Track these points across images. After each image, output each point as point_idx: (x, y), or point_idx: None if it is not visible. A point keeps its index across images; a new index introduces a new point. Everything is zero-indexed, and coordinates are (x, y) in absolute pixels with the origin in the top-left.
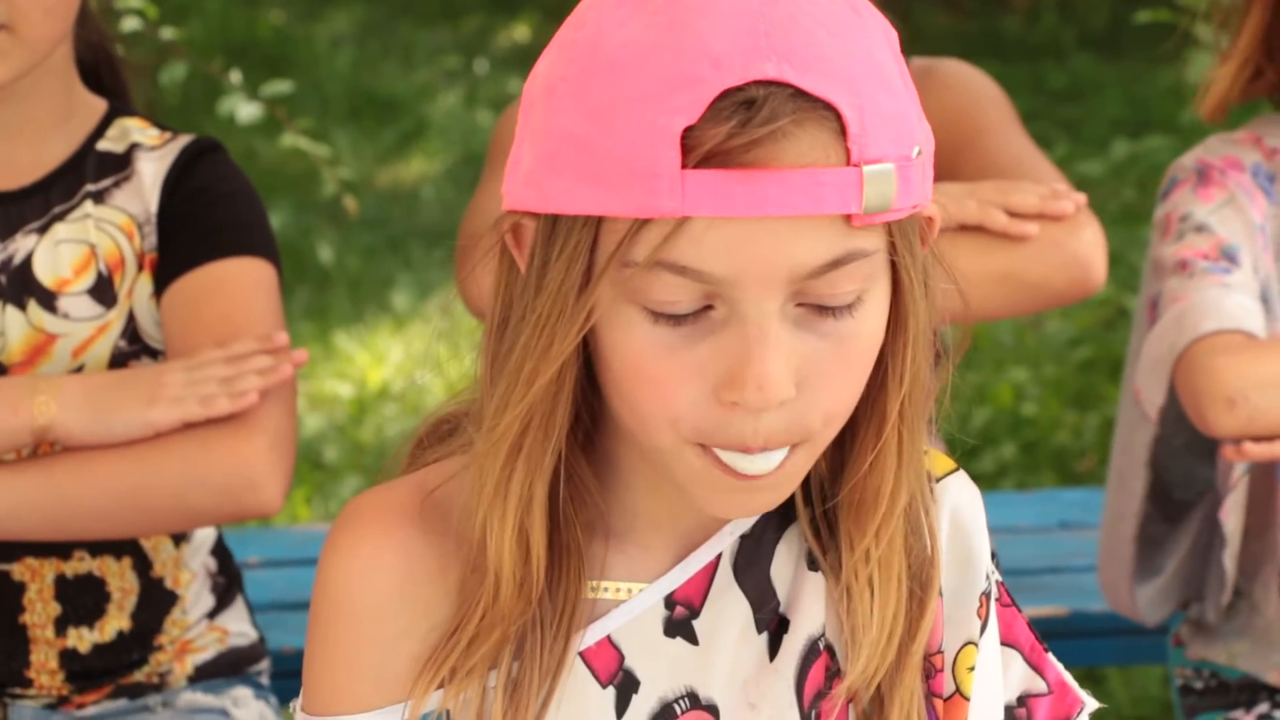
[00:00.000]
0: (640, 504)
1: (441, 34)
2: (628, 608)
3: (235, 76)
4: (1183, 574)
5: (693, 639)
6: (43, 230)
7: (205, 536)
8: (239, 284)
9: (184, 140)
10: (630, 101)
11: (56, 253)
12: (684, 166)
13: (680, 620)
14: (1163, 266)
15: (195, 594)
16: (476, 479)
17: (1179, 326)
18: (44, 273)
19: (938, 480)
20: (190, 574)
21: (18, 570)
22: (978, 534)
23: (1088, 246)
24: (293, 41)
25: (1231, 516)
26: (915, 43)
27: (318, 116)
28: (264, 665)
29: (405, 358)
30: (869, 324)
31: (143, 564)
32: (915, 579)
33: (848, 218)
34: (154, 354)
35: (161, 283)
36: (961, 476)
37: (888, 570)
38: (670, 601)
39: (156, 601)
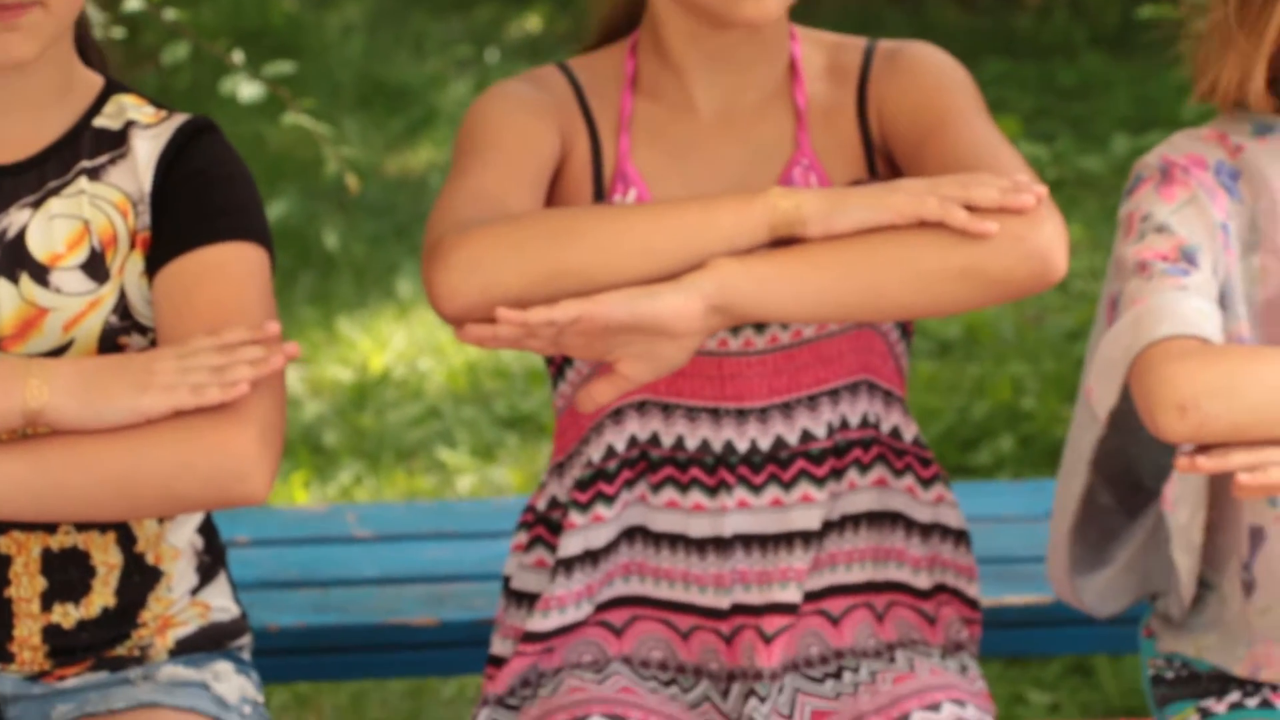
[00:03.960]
0: None
1: (453, 24)
2: None
3: (238, 57)
4: (1140, 567)
5: None
6: (37, 205)
7: (191, 514)
8: (232, 270)
9: (180, 119)
10: None
11: (50, 227)
12: None
13: None
14: (1124, 266)
15: (180, 571)
16: None
17: (1135, 330)
18: (37, 247)
19: None
20: (174, 551)
21: (3, 544)
22: None
23: (1048, 240)
24: (304, 29)
25: (1181, 509)
26: (925, 37)
27: (327, 103)
28: (245, 641)
29: (407, 344)
30: None
31: (127, 540)
32: None
33: None
34: (144, 330)
35: (154, 264)
36: None
37: None
38: None
39: (140, 578)
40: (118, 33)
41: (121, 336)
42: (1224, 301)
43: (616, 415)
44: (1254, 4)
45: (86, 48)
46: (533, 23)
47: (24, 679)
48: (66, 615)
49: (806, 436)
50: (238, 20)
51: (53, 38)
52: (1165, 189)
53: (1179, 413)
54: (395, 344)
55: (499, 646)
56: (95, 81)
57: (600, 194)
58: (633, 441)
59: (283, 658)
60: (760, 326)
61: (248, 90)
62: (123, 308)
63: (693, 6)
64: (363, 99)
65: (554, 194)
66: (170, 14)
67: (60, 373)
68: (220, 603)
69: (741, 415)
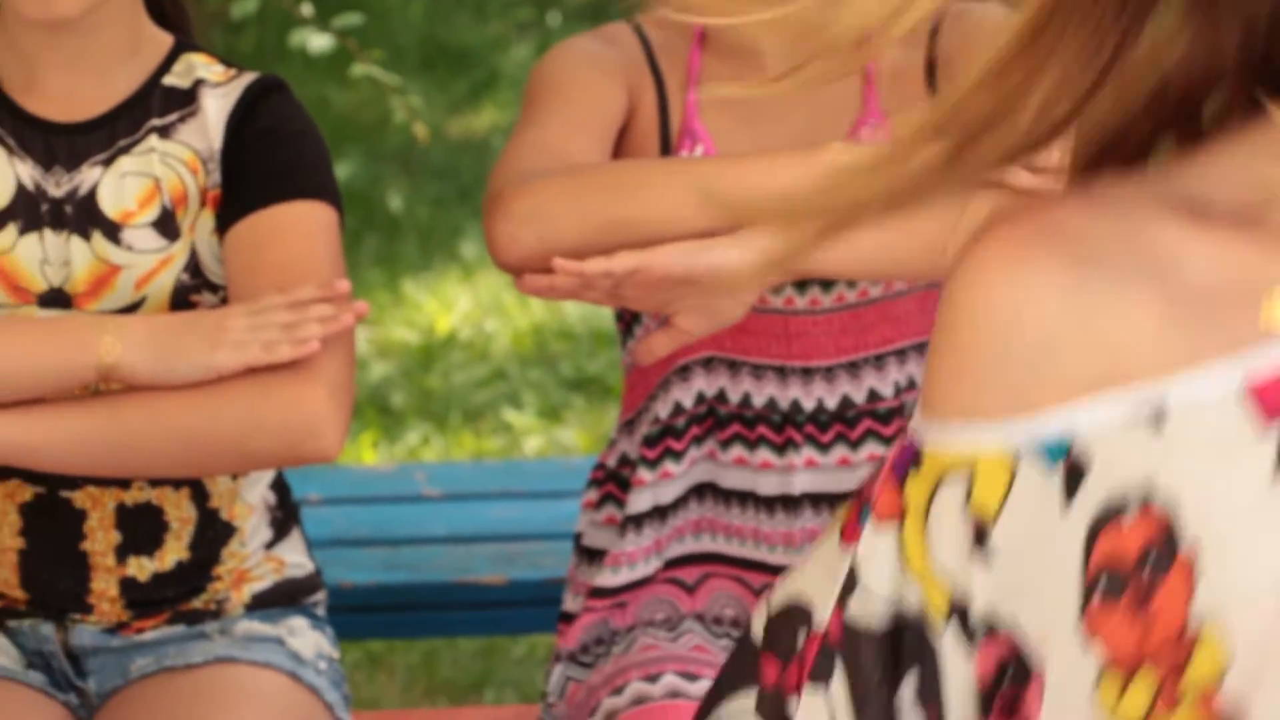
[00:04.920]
0: None
1: None
2: None
3: (307, 9)
4: None
5: None
6: (108, 163)
7: (264, 471)
8: (302, 228)
9: (249, 78)
10: None
11: (121, 185)
12: None
13: None
14: None
15: (253, 526)
16: None
17: None
18: (109, 205)
19: None
20: (248, 507)
21: (79, 498)
22: None
23: None
24: None
25: None
26: None
27: (391, 66)
28: (320, 597)
29: (473, 306)
30: None
31: (200, 495)
32: None
33: None
34: (215, 288)
35: (225, 222)
36: None
37: None
38: None
39: (214, 532)
40: None
41: (193, 294)
42: None
43: (683, 372)
44: None
45: (164, 5)
46: None
47: (103, 631)
48: (141, 568)
49: (873, 396)
50: None
51: None
52: None
53: None
54: (461, 306)
55: (571, 603)
56: (165, 40)
57: (667, 149)
58: (700, 398)
59: (355, 615)
60: (827, 285)
61: (317, 42)
62: (194, 265)
63: None
64: (426, 61)
65: (620, 149)
66: None
67: (133, 329)
68: (294, 558)
69: (808, 374)
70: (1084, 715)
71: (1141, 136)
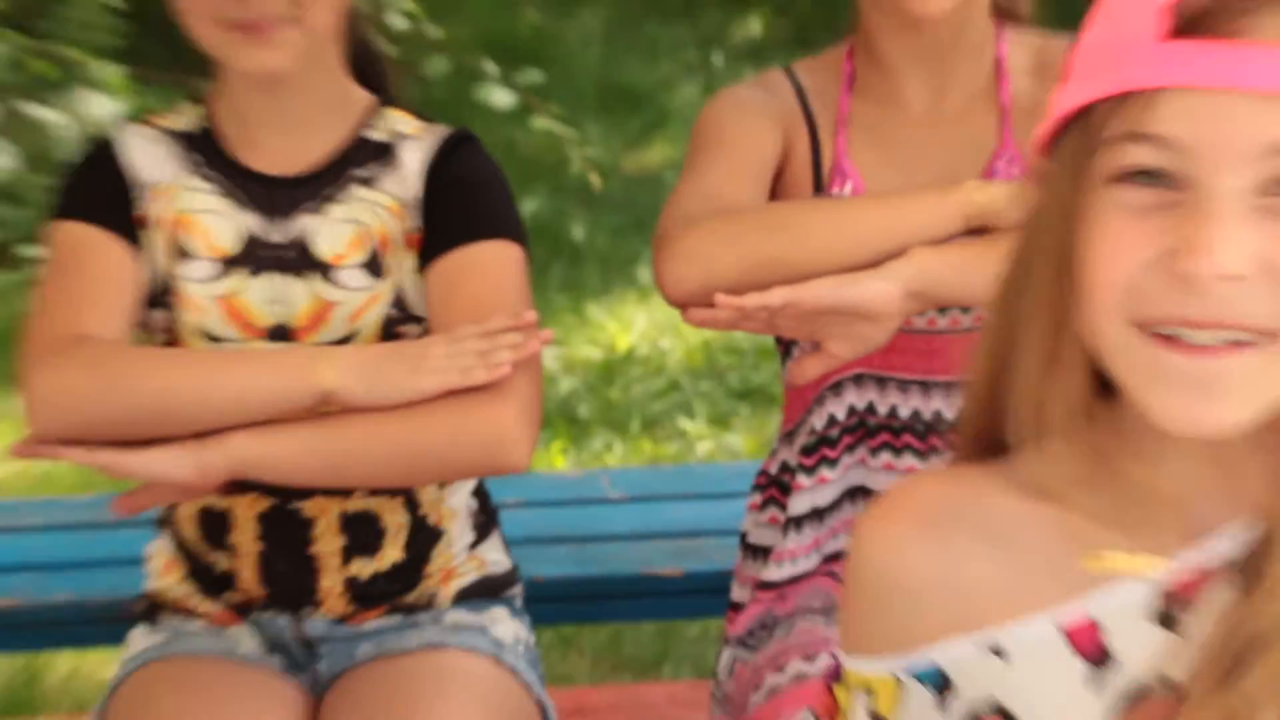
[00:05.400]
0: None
1: (681, 29)
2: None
3: (491, 67)
4: None
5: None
6: (320, 211)
7: (466, 481)
8: (492, 265)
9: (442, 131)
10: None
11: (333, 231)
12: (1161, 39)
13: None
14: None
15: (459, 529)
16: None
17: None
18: (323, 249)
19: None
20: (453, 512)
21: (308, 507)
22: None
23: None
24: (548, 38)
25: None
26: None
27: (571, 107)
28: (517, 590)
29: (649, 325)
30: None
31: (411, 504)
32: None
33: None
34: (418, 320)
35: (424, 261)
36: None
37: None
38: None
39: (424, 536)
40: (388, 50)
41: (399, 326)
42: None
43: (836, 388)
44: None
45: (367, 67)
46: (755, 27)
47: (331, 622)
48: (363, 568)
49: None
50: (487, 31)
51: (306, 53)
52: None
53: None
54: (638, 325)
55: (738, 593)
56: (366, 98)
57: (819, 187)
58: (851, 411)
59: (549, 604)
60: (965, 307)
61: (501, 97)
62: (399, 300)
63: (878, 5)
64: (602, 103)
65: (777, 186)
66: (432, 30)
67: (347, 359)
68: (494, 557)
69: (949, 388)
70: None
71: (1001, 435)
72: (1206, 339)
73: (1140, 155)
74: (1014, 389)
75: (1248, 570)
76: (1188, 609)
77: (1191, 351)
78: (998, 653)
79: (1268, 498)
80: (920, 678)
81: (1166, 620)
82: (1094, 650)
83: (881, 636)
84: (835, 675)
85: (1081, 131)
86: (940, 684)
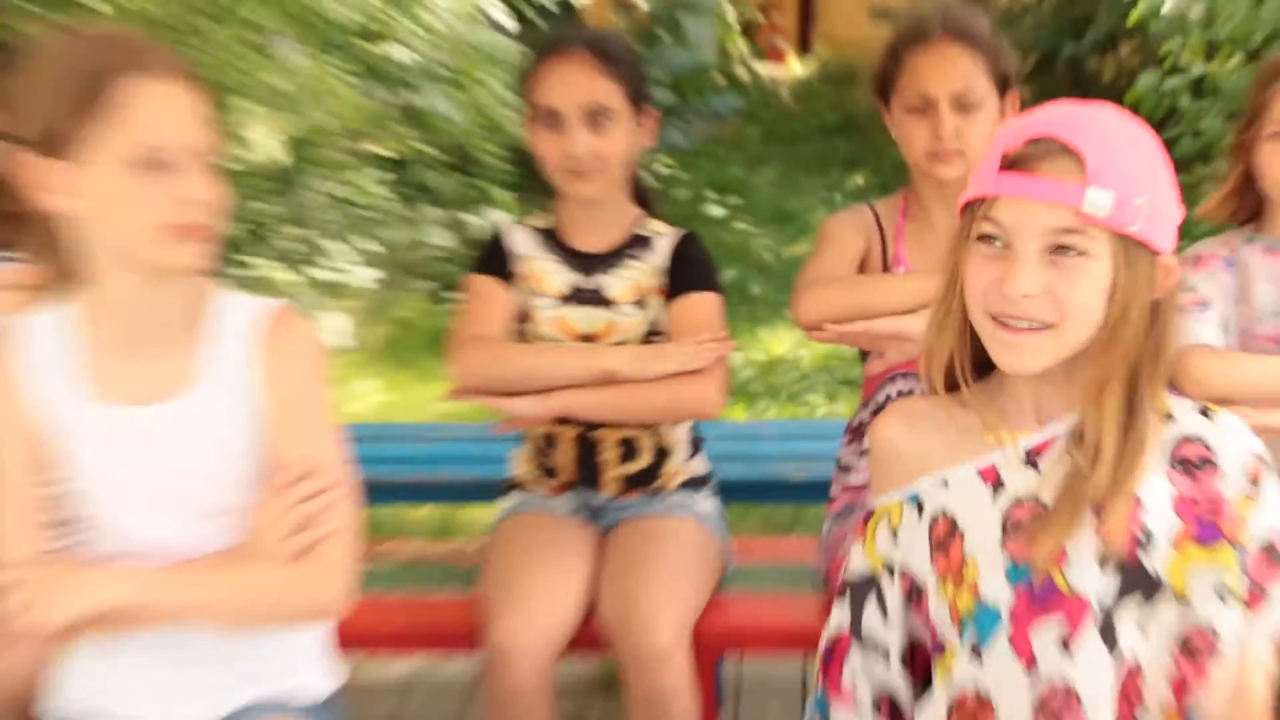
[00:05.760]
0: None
1: (818, 180)
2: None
3: (711, 195)
4: None
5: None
6: (610, 273)
7: (685, 422)
8: (703, 305)
9: (679, 231)
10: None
11: (617, 284)
12: (998, 171)
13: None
14: None
15: (680, 449)
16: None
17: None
18: (612, 294)
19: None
20: (677, 439)
21: (598, 434)
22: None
23: None
24: (744, 180)
25: None
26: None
27: (755, 220)
28: (713, 485)
29: (791, 341)
30: (1088, 276)
31: (655, 434)
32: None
33: (1079, 212)
34: (662, 334)
35: (668, 300)
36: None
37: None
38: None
39: (661, 451)
40: (653, 185)
41: (653, 336)
42: (1225, 328)
43: (892, 378)
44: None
45: (640, 194)
46: (859, 179)
47: (608, 498)
48: (627, 468)
49: None
50: (711, 176)
51: (607, 187)
52: (1194, 268)
53: (1195, 386)
54: (785, 341)
55: (834, 491)
56: (637, 211)
57: (886, 268)
58: (900, 392)
59: (730, 492)
60: None
61: (716, 211)
62: (654, 323)
63: (920, 171)
64: (774, 216)
65: (863, 268)
66: (679, 174)
67: (623, 353)
68: (700, 464)
69: None
70: (934, 601)
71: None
72: (1019, 325)
73: (987, 228)
74: (930, 349)
75: (1072, 438)
76: (1041, 459)
77: (1013, 332)
78: (945, 484)
79: (1078, 400)
80: (909, 500)
81: (1031, 464)
82: (994, 480)
83: (888, 481)
84: (867, 518)
85: (970, 211)
86: (918, 504)
